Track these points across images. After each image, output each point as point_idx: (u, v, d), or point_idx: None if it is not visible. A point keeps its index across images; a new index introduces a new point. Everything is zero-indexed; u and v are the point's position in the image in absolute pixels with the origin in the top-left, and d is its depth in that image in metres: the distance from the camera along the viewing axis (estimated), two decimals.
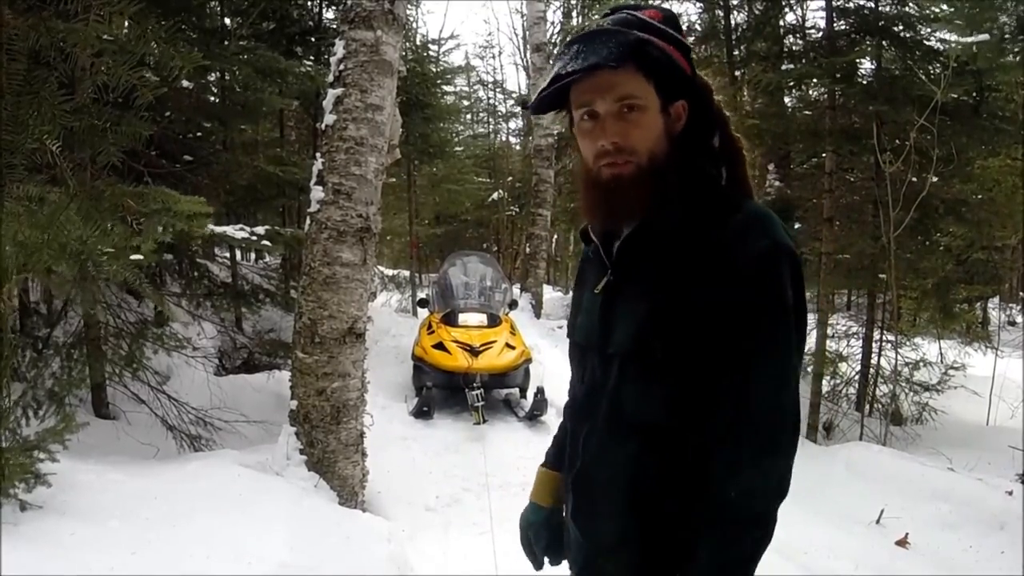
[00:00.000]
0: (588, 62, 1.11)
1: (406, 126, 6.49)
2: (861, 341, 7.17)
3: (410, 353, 6.52)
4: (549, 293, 13.00)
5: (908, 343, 6.99)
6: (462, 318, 6.54)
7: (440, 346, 6.14)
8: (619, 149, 1.14)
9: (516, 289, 10.32)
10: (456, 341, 6.15)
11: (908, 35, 6.30)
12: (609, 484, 1.20)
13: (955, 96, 5.73)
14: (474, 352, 6.03)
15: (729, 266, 1.07)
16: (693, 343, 1.09)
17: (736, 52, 8.01)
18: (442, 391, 6.08)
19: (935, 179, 5.90)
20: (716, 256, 1.09)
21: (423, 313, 7.59)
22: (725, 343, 1.07)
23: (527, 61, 15.76)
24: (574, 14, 14.65)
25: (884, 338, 6.94)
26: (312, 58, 7.15)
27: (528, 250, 11.50)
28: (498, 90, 20.07)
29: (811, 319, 6.15)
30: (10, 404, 2.68)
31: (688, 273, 1.10)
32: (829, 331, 6.77)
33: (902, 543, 3.67)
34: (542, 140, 11.10)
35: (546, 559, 1.48)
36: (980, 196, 6.77)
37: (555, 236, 14.60)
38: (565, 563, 1.43)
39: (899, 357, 6.50)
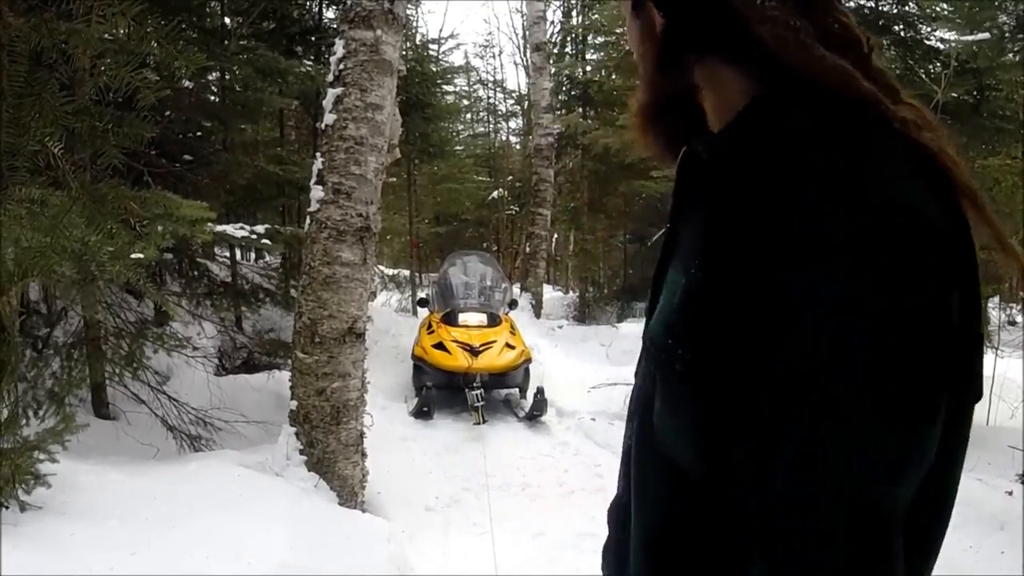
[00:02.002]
0: None
1: (406, 125, 6.49)
2: None
3: (410, 353, 6.53)
4: (549, 293, 13.01)
5: None
6: (462, 318, 6.55)
7: (440, 346, 6.15)
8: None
9: (516, 289, 10.32)
10: (456, 341, 6.16)
11: (908, 34, 6.31)
12: (637, 525, 0.82)
13: (955, 95, 5.73)
14: (474, 352, 6.03)
15: (776, 238, 0.61)
16: (723, 362, 0.64)
17: None
18: (442, 391, 6.08)
19: None
20: (781, 221, 0.62)
21: (423, 313, 7.60)
22: (760, 366, 0.61)
23: (527, 60, 15.76)
24: (574, 13, 14.67)
25: None
26: (312, 58, 7.15)
27: (528, 250, 11.50)
28: (498, 89, 20.12)
29: None
30: (17, 409, 2.67)
31: (743, 240, 0.64)
32: None
33: None
34: (542, 139, 11.10)
35: None
36: None
37: (555, 235, 14.58)
38: None
39: None
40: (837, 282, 0.58)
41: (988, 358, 7.14)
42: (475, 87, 19.13)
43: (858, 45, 0.74)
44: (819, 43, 0.70)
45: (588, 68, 12.85)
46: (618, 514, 0.89)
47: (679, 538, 0.74)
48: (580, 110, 12.11)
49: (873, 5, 6.54)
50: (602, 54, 12.64)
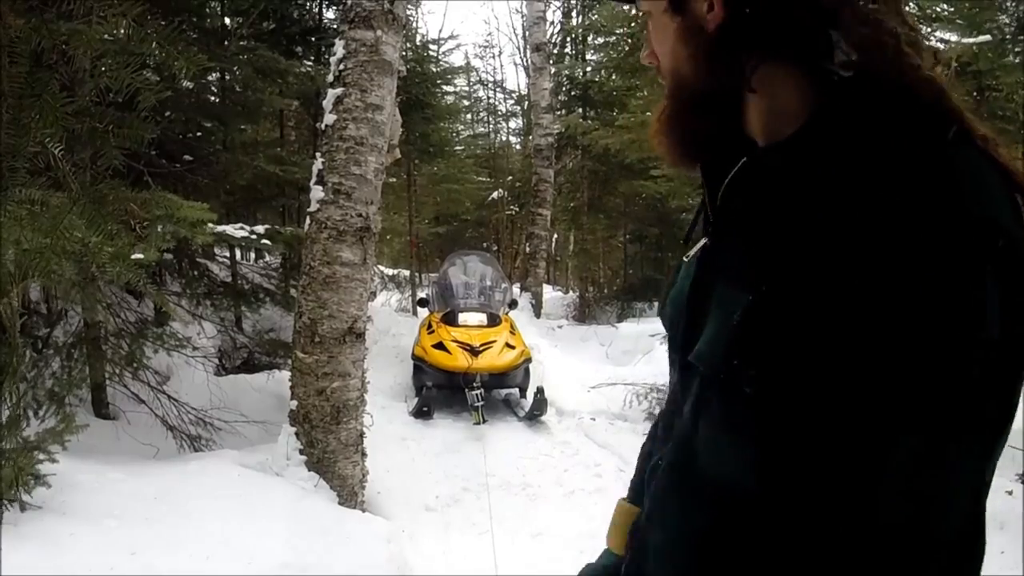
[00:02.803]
0: None
1: (406, 126, 6.49)
2: None
3: (410, 353, 6.53)
4: (549, 293, 13.01)
5: None
6: (462, 318, 6.55)
7: (440, 346, 6.15)
8: (659, 70, 0.82)
9: (516, 288, 10.32)
10: (456, 341, 6.16)
11: None
12: (665, 554, 0.78)
13: (955, 96, 5.72)
14: (474, 352, 6.04)
15: (879, 259, 0.58)
16: (802, 385, 0.61)
17: None
18: (442, 391, 6.08)
19: None
20: (863, 235, 0.59)
21: (423, 313, 7.60)
22: (844, 390, 0.59)
23: (527, 61, 15.76)
24: (574, 14, 14.67)
25: None
26: (312, 58, 7.15)
27: (528, 249, 11.51)
28: (498, 90, 20.13)
29: None
30: (19, 411, 2.68)
31: (822, 256, 0.61)
32: None
33: None
34: (542, 140, 11.11)
35: None
36: None
37: (555, 235, 14.58)
38: None
39: None
40: (943, 307, 0.56)
41: None
42: (475, 87, 19.17)
43: (930, 57, 0.72)
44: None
45: (588, 68, 12.85)
46: (644, 535, 0.84)
47: (723, 562, 0.70)
48: (580, 110, 12.11)
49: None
50: (602, 54, 12.63)
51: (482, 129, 20.10)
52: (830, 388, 0.59)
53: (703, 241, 0.79)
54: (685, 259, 0.84)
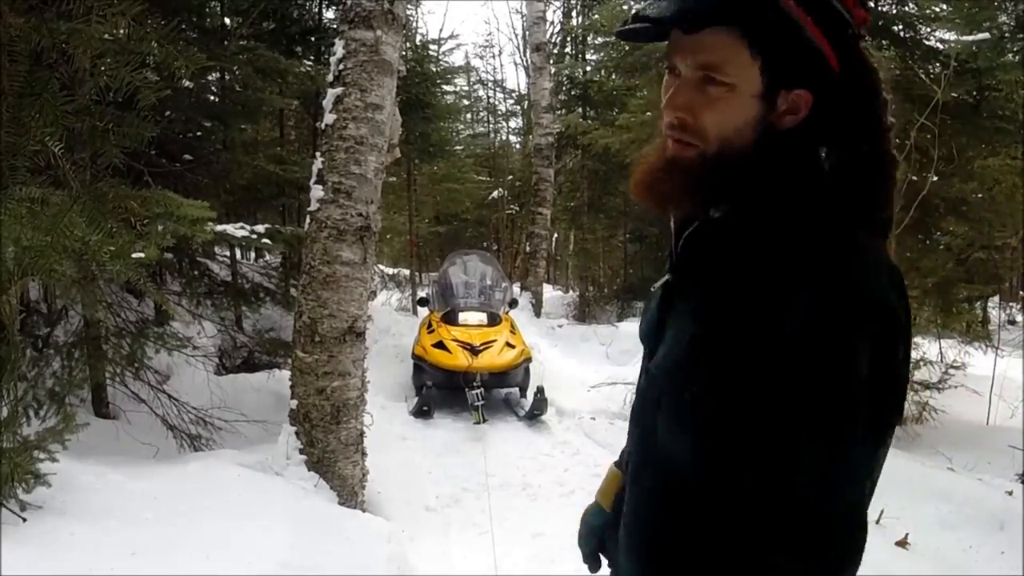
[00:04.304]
0: (662, 11, 0.85)
1: (406, 125, 6.49)
2: None
3: (410, 352, 6.53)
4: (549, 292, 13.01)
5: None
6: (462, 317, 6.55)
7: (440, 345, 6.15)
8: (684, 126, 0.88)
9: (516, 288, 10.32)
10: (456, 340, 6.16)
11: (908, 35, 6.30)
12: (631, 517, 1.01)
13: (955, 95, 5.72)
14: (474, 351, 6.04)
15: (781, 315, 0.79)
16: (728, 397, 0.82)
17: None
18: (442, 390, 6.08)
19: (935, 178, 5.89)
20: (776, 294, 0.81)
21: (423, 312, 7.60)
22: (761, 410, 0.80)
23: (527, 61, 15.75)
24: (574, 14, 14.68)
25: None
26: (312, 58, 7.15)
27: (528, 249, 11.51)
28: (498, 89, 20.11)
29: None
30: (17, 409, 2.68)
31: (749, 304, 0.82)
32: None
33: (902, 543, 3.66)
34: (542, 139, 11.10)
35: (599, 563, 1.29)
36: (980, 195, 6.76)
37: (555, 235, 14.60)
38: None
39: None
40: (839, 349, 0.78)
41: (988, 357, 7.15)
42: (475, 87, 19.16)
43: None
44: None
45: (588, 68, 12.85)
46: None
47: (676, 537, 0.92)
48: (580, 110, 12.12)
49: (873, 5, 6.53)
50: (602, 54, 12.64)
51: (482, 129, 20.11)
52: (747, 400, 0.81)
53: (666, 277, 1.00)
54: (652, 289, 1.04)
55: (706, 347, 0.86)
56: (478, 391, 5.64)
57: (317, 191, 3.57)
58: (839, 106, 0.87)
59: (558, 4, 14.54)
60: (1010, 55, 5.16)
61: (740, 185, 0.88)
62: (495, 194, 15.53)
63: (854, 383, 0.78)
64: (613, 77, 11.53)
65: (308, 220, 3.64)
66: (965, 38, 5.31)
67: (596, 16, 12.10)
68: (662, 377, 0.94)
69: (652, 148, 0.95)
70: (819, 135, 0.88)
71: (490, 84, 19.99)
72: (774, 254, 0.83)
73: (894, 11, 6.44)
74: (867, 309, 0.79)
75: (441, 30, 34.24)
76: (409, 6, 8.61)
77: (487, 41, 34.46)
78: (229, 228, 4.69)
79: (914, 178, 5.74)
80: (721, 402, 0.83)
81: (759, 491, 0.81)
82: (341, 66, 3.55)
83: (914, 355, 6.92)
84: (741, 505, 0.82)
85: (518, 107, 19.70)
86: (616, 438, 5.34)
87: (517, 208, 15.69)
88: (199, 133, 5.90)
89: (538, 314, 10.72)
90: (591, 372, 7.40)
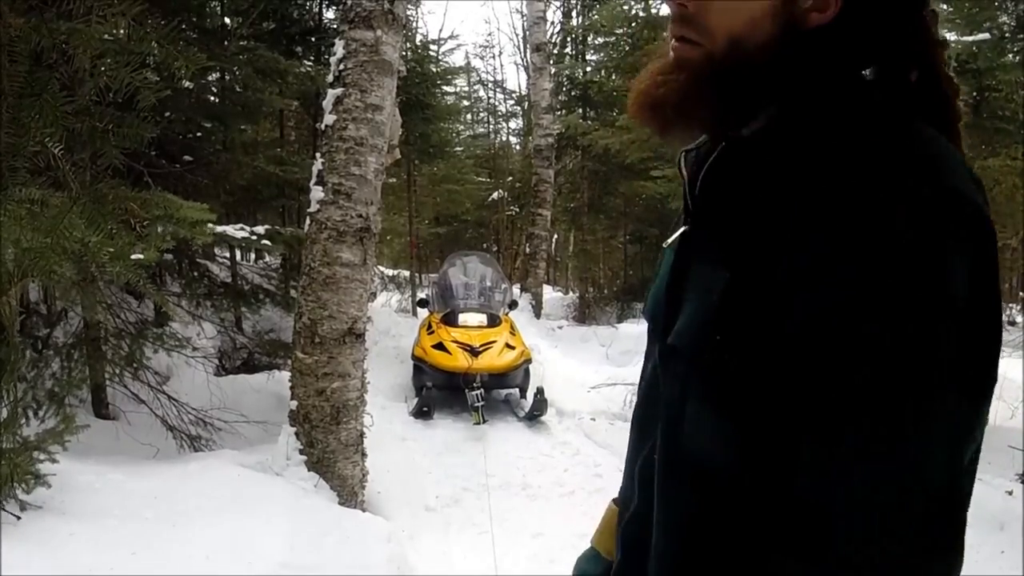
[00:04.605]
0: None
1: (406, 126, 6.49)
2: None
3: (410, 353, 6.53)
4: (549, 293, 13.01)
5: None
6: (462, 318, 6.55)
7: (440, 346, 6.15)
8: (684, 18, 0.70)
9: (516, 289, 10.32)
10: (456, 341, 6.16)
11: None
12: (662, 544, 0.77)
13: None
14: (474, 352, 6.04)
15: (852, 229, 0.58)
16: (787, 357, 0.61)
17: None
18: (442, 391, 6.08)
19: None
20: (836, 209, 0.59)
21: (423, 313, 7.60)
22: (828, 358, 0.59)
23: (527, 61, 15.77)
24: (574, 14, 14.68)
25: None
26: (312, 58, 7.15)
27: (528, 250, 11.51)
28: (498, 90, 20.13)
29: None
30: (17, 409, 2.68)
31: (800, 225, 0.61)
32: None
33: None
34: (542, 140, 11.10)
35: None
36: None
37: (555, 236, 14.59)
38: None
39: None
40: (934, 264, 0.57)
41: None
42: (475, 88, 19.19)
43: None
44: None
45: (588, 69, 12.85)
46: (636, 531, 0.82)
47: (710, 545, 0.70)
48: (580, 111, 12.12)
49: None
50: (602, 54, 12.65)
51: (482, 129, 20.12)
52: (808, 361, 0.59)
53: (682, 229, 0.77)
54: (665, 246, 0.82)
55: (747, 294, 0.64)
56: (478, 392, 5.64)
57: (317, 192, 3.57)
58: (877, 7, 0.69)
59: (558, 4, 14.56)
60: (1010, 55, 5.16)
61: (767, 93, 0.70)
62: (495, 195, 15.53)
63: (951, 303, 0.57)
64: (613, 77, 11.52)
65: (308, 221, 3.64)
66: (965, 38, 5.31)
67: (596, 16, 12.11)
68: (688, 349, 0.70)
69: (655, 59, 0.76)
70: (855, 43, 0.69)
71: (490, 85, 20.04)
72: (826, 162, 0.62)
73: None
74: (960, 210, 0.58)
75: (441, 30, 34.30)
76: (409, 6, 8.61)
77: (487, 41, 34.67)
78: (229, 229, 4.69)
79: None
80: (773, 367, 0.61)
81: (820, 485, 0.59)
82: (341, 66, 3.55)
83: None
84: (794, 508, 0.61)
85: (518, 108, 19.72)
86: (616, 439, 5.34)
87: (517, 209, 15.69)
88: (199, 134, 5.91)
89: (538, 315, 10.72)
90: (591, 373, 7.39)
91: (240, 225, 4.97)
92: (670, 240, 0.80)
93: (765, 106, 0.70)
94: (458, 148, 15.02)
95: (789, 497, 0.61)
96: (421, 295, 8.68)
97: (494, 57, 40.06)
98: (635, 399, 0.91)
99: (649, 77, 0.74)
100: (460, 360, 5.94)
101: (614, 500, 1.00)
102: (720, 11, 0.68)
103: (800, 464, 0.60)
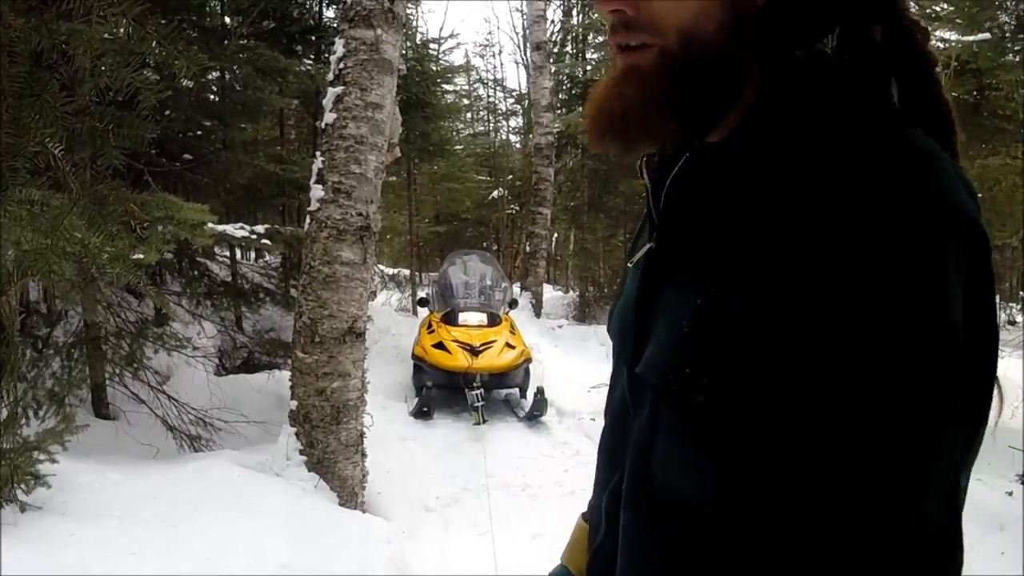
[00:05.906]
0: None
1: (406, 124, 6.49)
2: None
3: (410, 353, 6.53)
4: (549, 292, 13.01)
5: None
6: (462, 317, 6.55)
7: (440, 346, 6.15)
8: (627, 23, 0.64)
9: (516, 288, 10.32)
10: (456, 340, 6.16)
11: None
12: None
13: (955, 95, 5.73)
14: (474, 352, 6.03)
15: (838, 247, 0.53)
16: (765, 382, 0.56)
17: None
18: (442, 391, 6.08)
19: None
20: (820, 225, 0.54)
21: (423, 312, 7.60)
22: (814, 392, 0.53)
23: (527, 59, 15.76)
24: (574, 12, 14.67)
25: None
26: (312, 57, 7.15)
27: (528, 249, 11.51)
28: (498, 88, 20.13)
29: None
30: (17, 409, 2.68)
31: (782, 240, 0.56)
32: None
33: None
34: (542, 138, 11.10)
35: None
36: (980, 195, 6.75)
37: (555, 235, 14.59)
38: None
39: None
40: (932, 283, 0.52)
41: None
42: (475, 86, 19.17)
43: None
44: None
45: (588, 67, 12.84)
46: (602, 568, 0.77)
47: None
48: (580, 109, 12.09)
49: None
50: (602, 53, 12.63)
51: (482, 128, 20.14)
52: (790, 392, 0.54)
53: (647, 246, 0.71)
54: (630, 265, 0.76)
55: (719, 324, 0.58)
56: (478, 392, 5.63)
57: (317, 191, 3.57)
58: None
59: (558, 3, 14.55)
60: (1010, 55, 5.16)
61: (730, 89, 0.64)
62: (495, 194, 15.53)
63: (952, 332, 0.52)
64: None
65: (308, 220, 3.64)
66: (966, 38, 5.31)
67: (596, 15, 12.09)
68: (657, 379, 0.65)
69: (599, 83, 0.69)
70: (808, 11, 0.63)
71: (490, 83, 20.05)
72: (809, 170, 0.56)
73: None
74: (956, 226, 0.53)
75: (441, 29, 34.36)
76: (409, 5, 8.61)
77: (487, 40, 34.53)
78: (229, 228, 4.69)
79: None
80: (750, 400, 0.56)
81: (815, 526, 0.55)
82: (341, 65, 3.55)
83: None
84: (787, 553, 0.56)
85: (518, 106, 19.72)
86: None
87: (517, 208, 15.69)
88: (199, 133, 5.90)
89: (538, 314, 10.72)
90: (591, 373, 7.39)
91: (240, 224, 4.97)
92: (635, 258, 0.74)
93: (730, 106, 0.64)
94: (458, 147, 15.02)
95: (776, 537, 0.57)
96: (421, 294, 8.68)
97: (494, 56, 40.09)
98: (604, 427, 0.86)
99: (601, 97, 0.67)
100: (460, 359, 5.94)
101: (583, 515, 0.97)
102: (663, 7, 0.62)
103: (791, 504, 0.56)
